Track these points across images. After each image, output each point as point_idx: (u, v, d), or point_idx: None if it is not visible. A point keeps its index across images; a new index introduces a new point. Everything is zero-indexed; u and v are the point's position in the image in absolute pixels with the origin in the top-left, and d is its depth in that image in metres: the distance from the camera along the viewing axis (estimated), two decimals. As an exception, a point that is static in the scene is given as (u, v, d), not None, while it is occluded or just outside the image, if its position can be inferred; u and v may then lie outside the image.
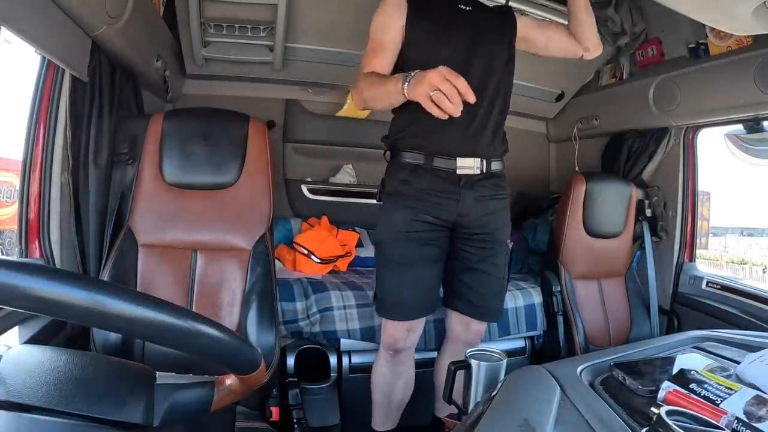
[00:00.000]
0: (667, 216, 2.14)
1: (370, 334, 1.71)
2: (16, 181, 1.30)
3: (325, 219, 2.21)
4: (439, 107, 0.98)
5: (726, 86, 1.77)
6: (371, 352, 1.72)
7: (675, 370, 0.68)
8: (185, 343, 0.46)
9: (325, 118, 2.35)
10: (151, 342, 0.46)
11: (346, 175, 2.44)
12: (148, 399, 0.50)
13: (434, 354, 1.72)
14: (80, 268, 1.34)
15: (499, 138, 1.35)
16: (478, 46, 1.28)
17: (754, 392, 0.60)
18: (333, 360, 1.70)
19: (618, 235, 2.05)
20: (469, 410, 0.94)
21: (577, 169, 2.47)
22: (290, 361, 1.64)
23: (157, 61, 1.72)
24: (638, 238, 2.15)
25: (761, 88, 1.64)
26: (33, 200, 1.26)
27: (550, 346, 1.97)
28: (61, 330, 1.22)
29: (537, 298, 1.97)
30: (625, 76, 2.26)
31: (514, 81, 1.40)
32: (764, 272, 5.27)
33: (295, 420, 1.39)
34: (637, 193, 2.10)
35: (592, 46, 1.39)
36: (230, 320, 1.28)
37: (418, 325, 1.38)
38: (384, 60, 1.28)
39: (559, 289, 1.96)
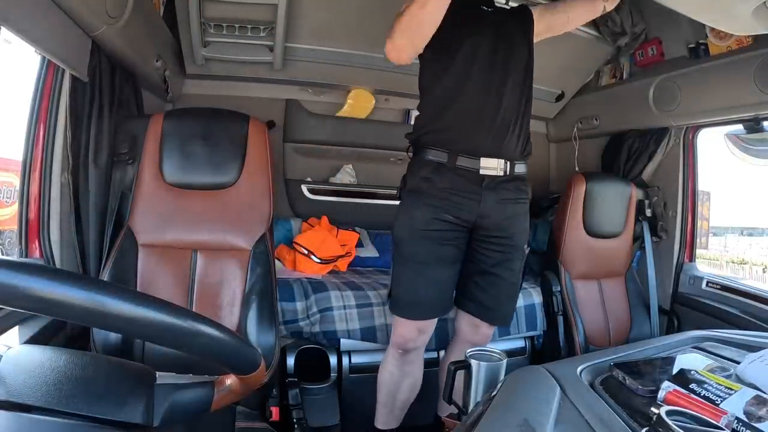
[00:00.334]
0: (667, 216, 2.14)
1: (370, 334, 1.71)
2: (16, 181, 1.30)
3: (325, 219, 2.21)
4: None
5: (726, 86, 1.77)
6: (371, 352, 1.72)
7: (675, 370, 0.68)
8: (185, 343, 0.46)
9: (325, 118, 2.35)
10: (151, 342, 0.46)
11: (346, 175, 2.44)
12: (148, 399, 0.50)
13: (435, 354, 1.72)
14: (80, 268, 1.34)
15: (524, 139, 1.35)
16: (501, 45, 1.29)
17: (754, 392, 0.60)
18: (333, 360, 1.70)
19: (618, 235, 2.05)
20: (469, 410, 0.94)
21: (577, 169, 2.47)
22: (290, 361, 1.64)
23: (157, 61, 1.72)
24: (638, 238, 2.15)
25: (761, 88, 1.64)
26: (33, 200, 1.26)
27: (550, 346, 1.97)
28: (61, 330, 1.22)
29: (537, 298, 1.97)
30: (625, 76, 2.26)
31: None
32: (764, 272, 5.27)
33: (295, 420, 1.39)
34: (637, 193, 2.10)
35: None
36: (230, 320, 1.28)
37: (430, 325, 1.38)
38: None
39: (559, 289, 1.96)
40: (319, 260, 2.04)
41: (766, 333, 0.93)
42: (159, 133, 1.35)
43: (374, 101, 2.39)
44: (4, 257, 0.63)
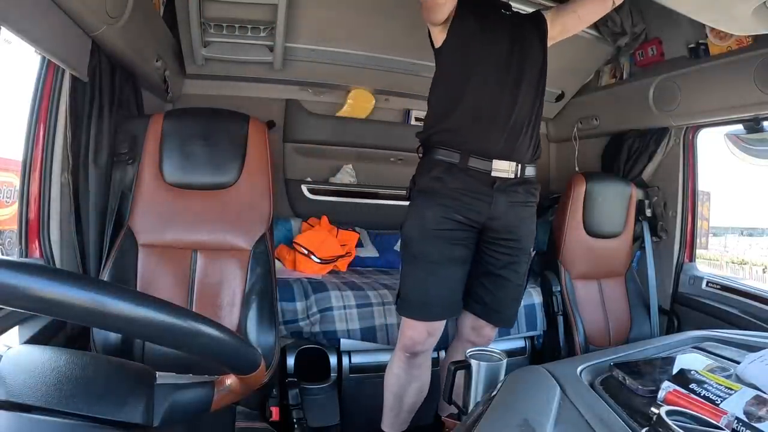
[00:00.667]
0: (667, 216, 2.14)
1: (371, 334, 1.71)
2: (16, 181, 1.30)
3: (325, 219, 2.21)
4: None
5: (726, 86, 1.77)
6: (371, 352, 1.72)
7: (675, 370, 0.68)
8: (185, 343, 0.46)
9: (325, 118, 2.35)
10: (151, 342, 0.46)
11: (346, 175, 2.44)
12: (148, 399, 0.50)
13: (435, 354, 1.72)
14: (80, 268, 1.34)
15: (535, 142, 1.35)
16: (516, 47, 1.30)
17: (754, 392, 0.60)
18: (333, 360, 1.70)
19: (618, 235, 2.05)
20: (469, 410, 0.94)
21: (577, 169, 2.47)
22: (290, 361, 1.64)
23: (157, 61, 1.72)
24: (638, 238, 2.15)
25: (761, 88, 1.64)
26: (33, 200, 1.26)
27: (550, 346, 1.97)
28: (61, 330, 1.22)
29: (537, 298, 1.97)
30: (625, 76, 2.26)
31: None
32: (764, 272, 5.27)
33: (295, 420, 1.39)
34: (637, 193, 2.10)
35: None
36: (230, 320, 1.28)
37: (439, 328, 1.37)
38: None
39: (559, 289, 1.96)
40: (319, 260, 2.04)
41: (766, 333, 0.93)
42: (159, 133, 1.35)
43: (374, 101, 2.39)
44: (4, 257, 0.63)
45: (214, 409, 0.55)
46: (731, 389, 0.60)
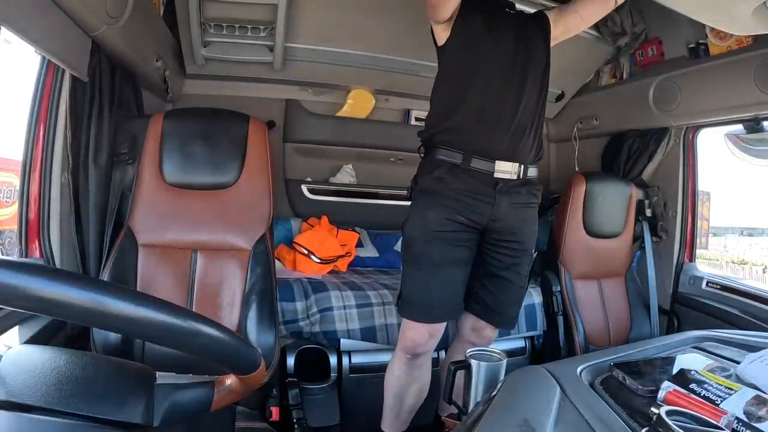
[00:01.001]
0: (667, 216, 2.14)
1: (371, 334, 1.71)
2: (16, 181, 1.30)
3: (325, 219, 2.22)
4: None
5: (726, 86, 1.77)
6: (371, 352, 1.72)
7: (675, 370, 0.68)
8: (185, 343, 0.46)
9: (325, 118, 2.35)
10: (151, 342, 0.46)
11: (346, 175, 2.44)
12: (148, 399, 0.50)
13: (435, 354, 1.72)
14: (80, 268, 1.34)
15: (538, 143, 1.34)
16: (521, 46, 1.29)
17: (754, 392, 0.60)
18: (333, 360, 1.70)
19: (618, 235, 2.05)
20: (469, 410, 0.94)
21: (577, 169, 2.47)
22: (290, 361, 1.64)
23: (157, 61, 1.72)
24: (638, 238, 2.15)
25: (761, 88, 1.64)
26: (33, 200, 1.26)
27: (550, 346, 1.97)
28: (61, 330, 1.22)
29: (537, 298, 1.97)
30: (625, 76, 2.26)
31: None
32: (764, 272, 5.27)
33: (295, 420, 1.39)
34: (637, 193, 2.10)
35: None
36: (230, 320, 1.28)
37: (440, 329, 1.36)
38: None
39: (559, 289, 1.96)
40: (319, 260, 2.04)
41: (766, 333, 0.93)
42: (159, 133, 1.35)
43: (374, 101, 2.39)
44: (4, 257, 0.63)
45: (214, 409, 0.55)
46: (731, 389, 0.60)
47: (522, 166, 1.29)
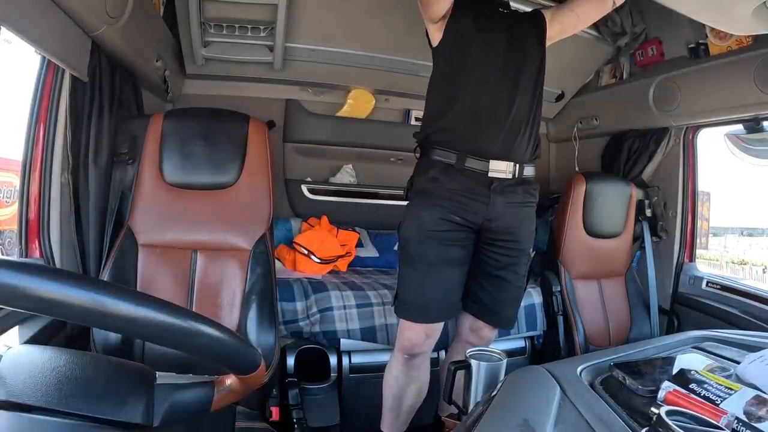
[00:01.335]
0: (667, 216, 2.14)
1: (371, 334, 1.71)
2: (16, 181, 1.30)
3: (325, 219, 2.22)
4: None
5: (726, 86, 1.77)
6: (371, 352, 1.72)
7: (675, 370, 0.68)
8: (185, 343, 0.46)
9: (325, 118, 2.35)
10: (151, 342, 0.46)
11: (346, 175, 2.44)
12: (148, 399, 0.50)
13: (435, 354, 1.72)
14: (80, 268, 1.34)
15: (533, 142, 1.33)
16: (514, 46, 1.29)
17: (754, 392, 0.60)
18: (333, 360, 1.70)
19: (618, 235, 2.05)
20: (469, 410, 0.94)
21: (577, 169, 2.47)
22: (290, 361, 1.64)
23: (157, 61, 1.72)
24: (638, 238, 2.15)
25: (761, 88, 1.64)
26: (33, 200, 1.26)
27: (550, 346, 1.97)
28: (61, 330, 1.22)
29: (537, 298, 1.97)
30: (625, 76, 2.26)
31: None
32: (764, 272, 5.27)
33: (295, 420, 1.39)
34: (637, 193, 2.10)
35: None
36: (230, 320, 1.28)
37: (437, 329, 1.36)
38: None
39: (559, 289, 1.96)
40: (319, 260, 2.04)
41: (766, 333, 0.93)
42: (159, 133, 1.35)
43: (374, 101, 2.39)
44: (4, 257, 0.63)
45: (214, 409, 0.55)
46: (731, 389, 0.60)
47: (517, 166, 1.28)
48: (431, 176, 1.29)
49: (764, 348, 0.72)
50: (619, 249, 2.06)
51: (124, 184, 1.37)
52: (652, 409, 0.55)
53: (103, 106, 1.35)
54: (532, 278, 2.12)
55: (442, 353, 1.74)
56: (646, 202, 2.14)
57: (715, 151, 2.08)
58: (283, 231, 2.18)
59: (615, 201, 2.04)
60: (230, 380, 0.56)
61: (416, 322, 1.32)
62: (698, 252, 2.17)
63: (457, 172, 1.26)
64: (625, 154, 2.23)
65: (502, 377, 0.91)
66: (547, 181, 2.82)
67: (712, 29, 1.78)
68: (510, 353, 1.41)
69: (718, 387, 0.61)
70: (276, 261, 1.51)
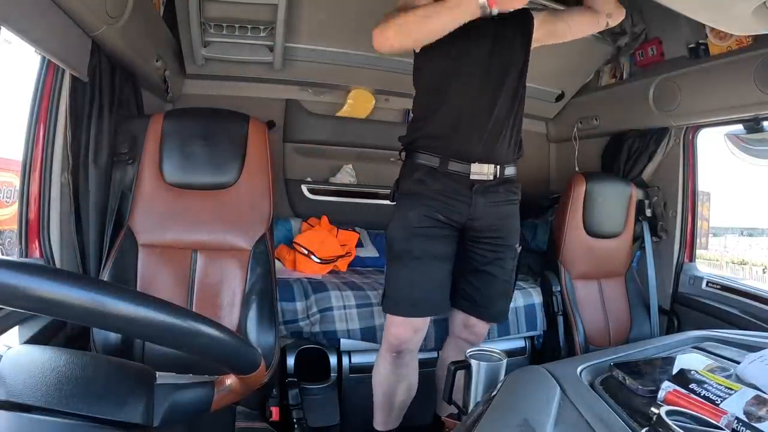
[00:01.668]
0: (667, 216, 2.14)
1: (371, 334, 1.71)
2: (16, 181, 1.30)
3: (325, 219, 2.21)
4: None
5: (726, 86, 1.77)
6: (371, 352, 1.72)
7: (675, 370, 0.68)
8: (185, 343, 0.46)
9: (325, 118, 2.35)
10: (151, 342, 0.46)
11: (346, 175, 2.44)
12: (148, 399, 0.50)
13: (434, 354, 1.72)
14: (80, 268, 1.34)
15: (516, 142, 1.35)
16: (497, 48, 1.28)
17: (754, 392, 0.60)
18: (333, 360, 1.70)
19: (618, 235, 2.05)
20: (469, 410, 0.94)
21: (577, 169, 2.47)
22: (290, 361, 1.64)
23: (157, 61, 1.72)
24: (638, 238, 2.15)
25: (761, 88, 1.64)
26: (33, 200, 1.26)
27: (550, 346, 1.97)
28: (61, 330, 1.22)
29: (537, 298, 1.97)
30: (625, 76, 2.26)
31: None
32: (764, 272, 5.27)
33: (295, 420, 1.39)
34: (637, 193, 2.10)
35: (612, 10, 1.36)
36: (230, 320, 1.28)
37: (424, 325, 1.37)
38: None
39: (559, 289, 1.96)
40: (319, 260, 2.04)
41: (766, 333, 0.93)
42: (159, 133, 1.35)
43: (374, 101, 2.39)
44: (4, 257, 0.63)
45: (214, 409, 0.55)
46: (731, 389, 0.60)
47: (499, 167, 1.31)
48: (416, 178, 1.31)
49: (764, 348, 0.72)
50: (619, 249, 2.06)
51: (124, 184, 1.37)
52: (652, 409, 0.55)
53: (103, 106, 1.35)
54: (532, 278, 2.13)
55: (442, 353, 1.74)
56: (646, 202, 2.14)
57: (715, 151, 2.08)
58: (283, 231, 2.18)
59: (615, 201, 2.04)
60: (230, 380, 0.56)
61: (405, 316, 1.33)
62: (698, 252, 2.17)
63: (441, 174, 1.29)
64: (625, 154, 2.23)
65: (502, 377, 0.91)
66: (547, 181, 2.82)
67: (712, 29, 1.78)
68: (510, 353, 1.41)
69: (718, 387, 0.61)
70: (276, 261, 1.51)
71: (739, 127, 1.85)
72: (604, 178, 2.11)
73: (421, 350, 1.69)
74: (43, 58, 1.22)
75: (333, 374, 1.69)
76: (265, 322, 1.27)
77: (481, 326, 1.43)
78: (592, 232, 2.00)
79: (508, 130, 1.30)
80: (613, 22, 1.38)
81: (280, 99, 2.31)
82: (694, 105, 1.93)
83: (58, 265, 1.29)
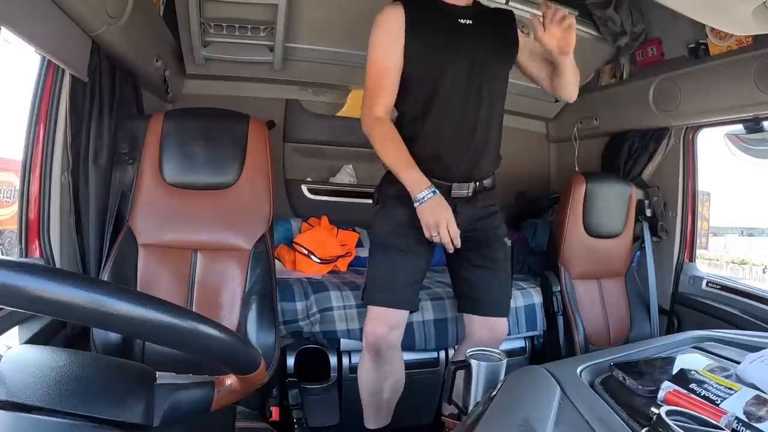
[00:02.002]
0: (667, 216, 2.14)
1: (370, 334, 1.70)
2: (16, 181, 1.30)
3: (325, 219, 2.21)
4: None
5: (726, 86, 1.77)
6: (371, 352, 1.72)
7: (675, 370, 0.68)
8: (185, 343, 0.46)
9: (325, 118, 2.35)
10: (151, 342, 0.46)
11: (346, 175, 2.44)
12: (148, 399, 0.50)
13: (434, 354, 1.72)
14: (80, 268, 1.34)
15: (495, 155, 1.37)
16: (479, 66, 1.27)
17: (754, 392, 0.60)
18: (333, 360, 1.70)
19: (618, 235, 2.05)
20: (469, 410, 0.94)
21: (577, 169, 2.47)
22: (290, 361, 1.64)
23: (157, 61, 1.72)
24: (638, 238, 2.15)
25: (761, 88, 1.64)
26: (33, 200, 1.26)
27: (550, 346, 1.97)
28: (61, 330, 1.22)
29: (537, 298, 1.97)
30: (625, 76, 2.26)
31: (515, 81, 1.41)
32: (764, 272, 5.27)
33: (295, 420, 1.39)
34: (637, 193, 2.10)
35: (567, 96, 1.40)
36: (230, 320, 1.28)
37: (400, 321, 1.34)
38: (390, 94, 1.29)
39: (559, 289, 1.96)
40: (319, 260, 2.04)
41: (766, 333, 0.93)
42: (159, 133, 1.35)
43: (374, 101, 2.39)
44: (4, 257, 0.63)
45: (214, 409, 0.55)
46: (731, 389, 0.60)
47: (477, 182, 1.34)
48: (400, 186, 1.29)
49: (764, 348, 0.72)
50: (619, 249, 2.06)
51: (124, 184, 1.37)
52: (652, 409, 0.55)
53: (103, 106, 1.35)
54: (532, 278, 2.13)
55: (442, 353, 1.74)
56: (646, 202, 2.14)
57: (715, 151, 2.08)
58: (283, 231, 2.18)
59: (615, 201, 2.03)
60: (230, 380, 0.56)
61: (384, 306, 1.31)
62: (698, 252, 2.17)
63: None
64: (625, 154, 2.23)
65: (502, 377, 0.91)
66: (547, 181, 2.82)
67: (712, 29, 1.78)
68: (510, 353, 1.41)
69: (718, 387, 0.61)
70: (276, 261, 1.51)
71: (739, 127, 1.85)
72: (604, 178, 2.11)
73: (421, 350, 1.70)
74: (43, 58, 1.22)
75: (333, 374, 1.69)
76: (265, 322, 1.27)
77: (499, 325, 1.39)
78: (592, 232, 2.00)
79: (488, 148, 1.33)
80: (560, 99, 1.37)
81: (280, 99, 2.31)
82: (694, 105, 1.93)
83: (58, 265, 1.29)
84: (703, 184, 2.15)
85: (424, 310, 1.68)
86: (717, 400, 0.59)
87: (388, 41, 1.26)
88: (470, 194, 1.33)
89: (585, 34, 2.04)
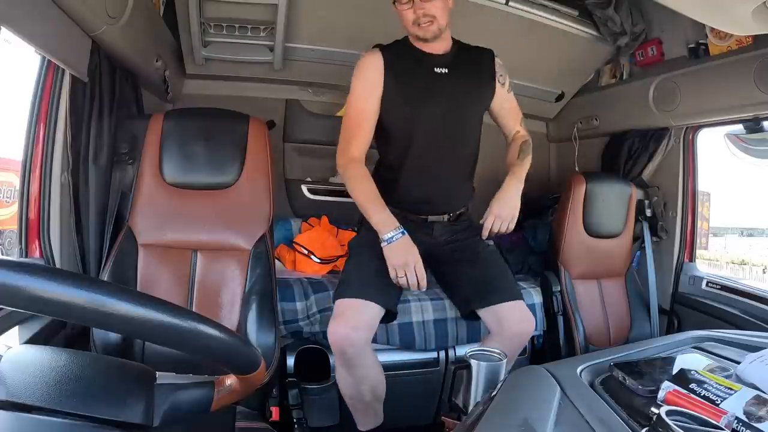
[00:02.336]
0: (667, 216, 2.14)
1: (370, 334, 1.70)
2: (16, 181, 1.30)
3: (325, 219, 2.21)
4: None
5: (726, 86, 1.77)
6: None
7: (675, 370, 0.67)
8: (185, 343, 0.46)
9: (325, 118, 2.35)
10: (151, 342, 0.46)
11: (346, 175, 2.43)
12: (148, 399, 0.50)
13: (434, 354, 1.72)
14: (80, 268, 1.34)
15: (469, 190, 1.46)
16: (454, 112, 1.35)
17: (754, 392, 0.60)
18: (333, 360, 1.70)
19: (618, 235, 2.05)
20: (469, 410, 0.94)
21: (577, 169, 2.47)
22: (290, 361, 1.64)
23: (157, 61, 1.72)
24: (638, 238, 2.15)
25: (761, 88, 1.64)
26: (33, 200, 1.26)
27: (550, 346, 1.97)
28: (61, 330, 1.22)
29: (537, 298, 1.97)
30: (625, 76, 2.26)
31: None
32: (764, 272, 5.27)
33: (295, 420, 1.39)
34: (637, 193, 2.10)
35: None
36: (230, 320, 1.28)
37: (366, 322, 1.28)
38: (366, 137, 1.37)
39: (559, 289, 1.96)
40: (319, 260, 2.04)
41: (766, 333, 0.93)
42: (159, 133, 1.35)
43: (374, 101, 2.38)
44: (4, 257, 0.63)
45: (214, 409, 0.55)
46: (731, 389, 0.60)
47: (452, 214, 1.42)
48: None
49: (764, 348, 0.72)
50: (619, 249, 2.06)
51: (124, 184, 1.37)
52: (652, 409, 0.55)
53: (103, 106, 1.35)
54: (532, 278, 2.13)
55: (442, 353, 1.74)
56: (646, 202, 2.14)
57: (715, 151, 2.08)
58: (283, 231, 2.17)
59: (615, 201, 2.03)
60: (230, 380, 0.56)
61: (348, 297, 1.28)
62: (698, 252, 2.17)
63: (399, 217, 1.33)
64: (625, 154, 2.23)
65: (502, 377, 0.91)
66: (547, 181, 2.82)
67: (712, 29, 1.78)
68: (510, 353, 1.40)
69: (718, 387, 0.61)
70: (276, 261, 1.51)
71: (739, 127, 1.85)
72: (604, 178, 2.11)
73: (421, 350, 1.70)
74: (43, 58, 1.22)
75: (333, 374, 1.69)
76: (265, 322, 1.27)
77: (510, 312, 1.34)
78: (592, 232, 2.00)
79: (463, 185, 1.42)
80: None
81: (280, 99, 2.31)
82: (694, 105, 1.93)
83: (58, 265, 1.29)
84: (703, 184, 2.15)
85: (424, 310, 1.68)
86: (717, 400, 0.59)
87: (367, 87, 1.35)
88: (445, 220, 1.42)
89: (585, 34, 2.04)
